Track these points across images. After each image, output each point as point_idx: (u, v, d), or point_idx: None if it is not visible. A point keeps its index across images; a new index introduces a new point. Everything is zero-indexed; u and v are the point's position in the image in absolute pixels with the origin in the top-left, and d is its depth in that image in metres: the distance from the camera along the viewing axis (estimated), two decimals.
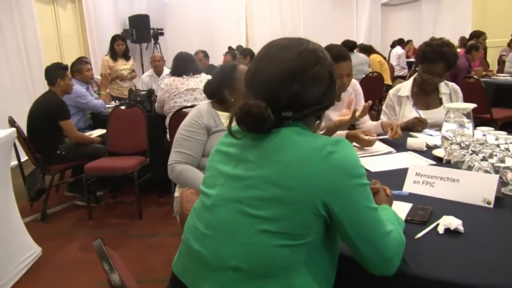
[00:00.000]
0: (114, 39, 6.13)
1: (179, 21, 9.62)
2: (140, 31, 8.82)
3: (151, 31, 9.06)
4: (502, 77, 6.35)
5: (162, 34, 9.25)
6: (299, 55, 1.17)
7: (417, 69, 2.88)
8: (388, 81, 6.81)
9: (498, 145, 1.83)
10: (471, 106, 2.10)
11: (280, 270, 1.10)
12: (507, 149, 1.79)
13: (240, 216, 1.12)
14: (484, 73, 6.17)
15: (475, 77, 5.50)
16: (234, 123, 1.18)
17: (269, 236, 1.09)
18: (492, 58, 9.63)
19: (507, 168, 1.71)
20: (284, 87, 1.14)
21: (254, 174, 1.13)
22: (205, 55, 6.41)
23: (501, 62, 7.90)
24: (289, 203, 1.08)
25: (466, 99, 5.46)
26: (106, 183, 4.62)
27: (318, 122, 1.25)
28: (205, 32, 9.63)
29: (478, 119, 5.31)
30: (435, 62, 2.71)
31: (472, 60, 6.23)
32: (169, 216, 3.55)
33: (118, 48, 6.08)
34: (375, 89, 5.54)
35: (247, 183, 1.14)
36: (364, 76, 6.11)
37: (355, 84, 2.85)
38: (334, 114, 2.76)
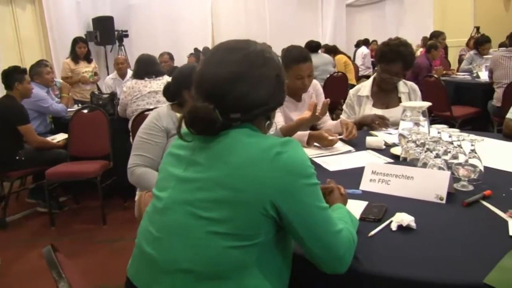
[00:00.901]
0: (76, 41, 6.01)
1: (144, 22, 9.52)
2: (104, 33, 8.67)
3: (116, 33, 8.92)
4: (461, 76, 6.52)
5: (127, 36, 9.13)
6: (245, 56, 1.17)
7: (375, 68, 2.92)
8: (353, 80, 6.89)
9: (451, 142, 1.87)
10: (426, 104, 2.14)
11: (232, 271, 1.10)
12: (460, 146, 1.84)
13: (190, 218, 1.12)
14: (444, 72, 6.32)
15: (436, 76, 5.63)
16: (184, 126, 1.18)
17: (220, 237, 1.09)
18: (453, 57, 9.89)
19: (459, 164, 1.75)
20: (231, 89, 1.14)
21: (203, 176, 1.13)
22: (170, 57, 6.36)
23: (461, 61, 8.11)
24: (238, 204, 1.08)
25: (427, 98, 5.58)
26: (69, 189, 4.53)
27: (268, 122, 1.26)
28: (171, 34, 9.56)
29: (439, 117, 5.46)
30: (393, 62, 2.75)
31: (433, 59, 6.36)
32: (134, 220, 3.47)
33: (80, 50, 5.97)
34: (340, 88, 5.60)
35: (197, 185, 1.14)
36: (328, 76, 6.18)
37: (316, 84, 2.88)
38: (295, 115, 2.78)
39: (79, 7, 8.60)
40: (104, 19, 8.69)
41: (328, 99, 2.38)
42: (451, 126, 5.17)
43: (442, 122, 5.50)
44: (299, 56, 2.62)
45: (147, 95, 4.15)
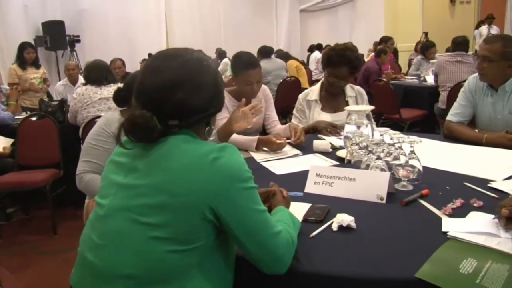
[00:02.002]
0: (23, 46, 5.85)
1: (97, 27, 9.37)
2: (54, 38, 8.48)
3: (67, 38, 8.74)
4: (409, 80, 6.74)
5: (78, 41, 8.96)
6: (183, 64, 1.20)
7: (324, 73, 2.99)
8: (305, 85, 7.00)
9: (393, 144, 1.94)
10: (369, 108, 2.21)
11: (174, 275, 1.12)
12: (401, 148, 1.91)
13: (131, 224, 1.13)
14: (393, 76, 6.53)
15: (385, 80, 5.79)
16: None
17: (160, 242, 1.10)
18: (403, 61, 10.21)
19: (399, 165, 1.82)
20: (169, 96, 1.16)
21: (143, 183, 1.15)
22: (123, 63, 6.28)
23: (411, 65, 8.38)
24: (176, 209, 1.10)
25: (377, 101, 5.79)
26: (18, 199, 4.39)
27: (208, 128, 1.28)
28: (124, 39, 9.46)
29: (389, 119, 5.63)
30: (339, 66, 2.83)
31: (382, 64, 6.55)
32: None
33: (28, 56, 5.82)
34: (292, 93, 5.67)
35: (137, 192, 1.15)
36: (281, 80, 6.26)
37: (265, 89, 2.92)
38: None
39: (27, 11, 8.38)
40: (54, 23, 8.50)
41: (263, 105, 2.42)
42: (401, 128, 5.37)
43: (392, 125, 5.71)
44: (248, 62, 2.66)
45: (98, 102, 4.09)
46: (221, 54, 9.66)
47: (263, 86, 2.88)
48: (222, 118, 2.68)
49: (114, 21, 9.56)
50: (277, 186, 1.55)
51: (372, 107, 2.26)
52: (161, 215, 1.11)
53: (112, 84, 4.22)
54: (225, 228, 1.15)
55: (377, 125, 5.66)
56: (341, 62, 2.83)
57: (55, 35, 8.48)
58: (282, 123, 3.00)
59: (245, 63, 2.65)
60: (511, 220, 1.35)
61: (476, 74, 2.64)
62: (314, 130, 2.81)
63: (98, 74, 4.19)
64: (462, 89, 2.77)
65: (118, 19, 9.59)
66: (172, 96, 1.16)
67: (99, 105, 4.09)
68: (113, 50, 8.38)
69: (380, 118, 5.87)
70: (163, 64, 1.20)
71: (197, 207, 1.10)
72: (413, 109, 5.77)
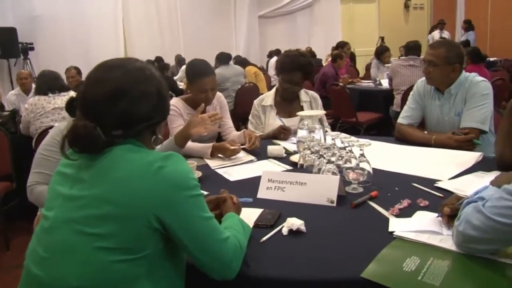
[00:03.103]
0: None
1: (51, 35, 9.12)
2: (6, 45, 8.21)
3: (20, 45, 8.49)
4: (365, 83, 6.89)
5: (32, 49, 8.71)
6: (125, 74, 1.20)
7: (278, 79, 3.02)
8: (264, 90, 7.04)
9: (344, 148, 1.98)
10: (321, 113, 2.25)
11: (122, 286, 1.12)
12: (351, 151, 1.96)
13: (76, 235, 1.12)
14: (350, 80, 6.65)
15: (341, 84, 5.90)
16: None
17: (106, 252, 1.10)
18: (361, 66, 10.42)
19: (349, 168, 1.87)
20: (112, 106, 1.17)
21: (88, 193, 1.14)
22: (78, 71, 6.15)
23: (368, 69, 8.55)
24: (122, 219, 1.10)
25: (334, 105, 5.88)
26: None
27: (154, 137, 1.28)
28: (81, 47, 9.26)
29: (346, 123, 5.73)
30: (292, 72, 2.87)
31: (339, 68, 6.68)
32: None
33: None
34: (251, 99, 5.67)
35: (82, 203, 1.14)
36: (240, 87, 6.29)
37: (219, 96, 2.93)
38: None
39: None
40: (5, 30, 8.23)
41: (218, 112, 2.49)
42: (357, 131, 5.47)
43: (349, 128, 5.82)
44: (202, 70, 2.66)
45: (51, 112, 4.00)
46: (180, 61, 9.60)
47: (218, 93, 2.89)
48: (177, 126, 2.68)
49: (70, 27, 9.35)
50: (228, 192, 1.57)
51: (324, 112, 2.31)
52: (107, 225, 1.10)
53: (65, 93, 4.13)
54: (172, 236, 1.15)
55: (335, 129, 5.77)
56: (294, 68, 2.87)
57: (7, 43, 8.22)
58: (242, 129, 3.01)
59: (199, 71, 2.65)
60: (452, 218, 1.40)
61: (424, 78, 2.73)
62: (268, 138, 2.84)
63: (50, 83, 4.09)
64: (411, 93, 2.86)
65: (74, 25, 9.38)
66: (115, 106, 1.17)
67: (52, 115, 4.00)
68: (69, 57, 8.19)
69: (338, 122, 5.97)
70: (105, 75, 1.20)
71: (142, 216, 1.10)
72: (369, 112, 5.90)
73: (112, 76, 1.19)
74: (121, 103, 1.17)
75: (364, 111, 5.88)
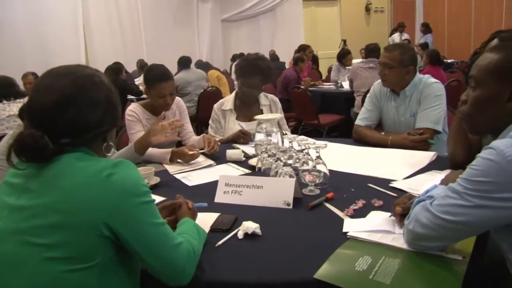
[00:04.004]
0: None
1: (8, 40, 8.88)
2: None
3: None
4: (327, 86, 6.98)
5: None
6: (73, 81, 1.18)
7: (237, 83, 3.03)
8: (227, 94, 7.02)
9: (302, 150, 2.00)
10: (278, 116, 2.27)
11: None
12: (308, 154, 1.98)
13: (24, 247, 1.10)
14: (312, 83, 6.72)
15: (303, 87, 5.96)
16: None
17: (56, 262, 1.08)
18: (324, 68, 10.54)
19: (306, 170, 1.88)
20: (59, 114, 1.15)
21: (36, 203, 1.12)
22: (36, 77, 6.01)
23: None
24: (71, 228, 1.08)
25: (296, 108, 5.92)
26: None
27: (105, 144, 1.27)
28: (39, 52, 9.03)
29: (309, 125, 5.79)
30: (251, 76, 2.88)
31: (300, 71, 6.74)
32: None
33: None
34: (214, 103, 5.67)
35: (30, 213, 1.12)
36: (202, 91, 6.28)
37: (179, 101, 2.91)
38: None
39: None
40: None
41: (177, 117, 2.49)
42: (320, 133, 5.52)
43: (311, 130, 5.87)
44: (160, 75, 2.64)
45: (6, 119, 3.91)
46: (142, 66, 9.47)
47: (177, 98, 2.87)
48: (136, 131, 2.65)
49: (28, 33, 9.12)
50: (183, 198, 1.56)
51: (281, 115, 2.34)
52: (56, 235, 1.08)
53: (22, 100, 4.03)
54: (123, 244, 1.14)
55: (297, 132, 5.82)
56: (253, 71, 2.88)
57: None
58: (202, 134, 3.00)
59: (157, 76, 2.63)
60: (404, 217, 1.43)
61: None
62: (228, 142, 2.84)
63: (4, 90, 4.00)
64: (368, 95, 2.91)
65: (32, 31, 9.16)
66: (63, 114, 1.15)
67: (8, 123, 3.91)
68: (26, 64, 7.97)
69: (300, 124, 6.03)
70: (53, 82, 1.18)
71: (92, 225, 1.09)
72: (331, 114, 5.96)
73: (60, 84, 1.17)
74: (69, 111, 1.15)
75: (326, 114, 5.95)
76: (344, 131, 5.72)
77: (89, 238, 1.09)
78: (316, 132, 5.72)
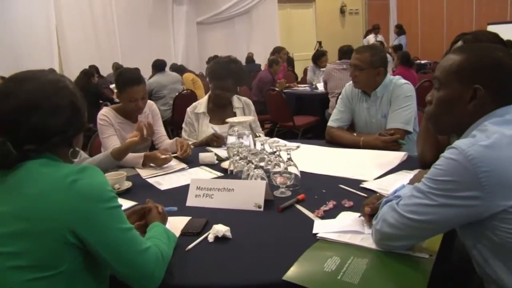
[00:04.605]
0: None
1: None
2: None
3: None
4: (302, 88, 7.01)
5: None
6: (37, 86, 1.17)
7: (210, 86, 3.03)
8: (202, 97, 6.94)
9: (273, 153, 2.01)
10: (250, 119, 2.28)
11: None
12: (279, 156, 1.99)
13: None
14: (287, 84, 6.75)
15: (277, 89, 5.98)
16: None
17: (21, 271, 1.07)
18: (300, 70, 10.61)
19: (277, 173, 1.89)
20: (23, 120, 1.13)
21: None
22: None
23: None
24: (36, 235, 1.07)
25: (271, 110, 5.94)
26: None
27: (72, 150, 1.25)
28: (10, 57, 8.85)
29: (284, 127, 5.82)
30: (224, 78, 2.88)
31: (275, 73, 6.76)
32: None
33: None
34: (188, 106, 5.66)
35: None
36: (177, 94, 6.25)
37: (151, 105, 2.89)
38: None
39: None
40: None
41: (150, 121, 2.46)
42: (295, 135, 5.54)
43: (286, 132, 5.90)
44: (132, 79, 2.62)
45: None
46: (117, 69, 9.38)
47: (149, 102, 2.85)
48: (108, 136, 2.63)
49: None
50: (153, 202, 1.55)
51: (252, 118, 2.34)
52: (20, 243, 1.07)
53: None
54: (90, 250, 1.13)
55: (273, 134, 5.84)
56: (226, 74, 2.88)
57: None
58: (175, 138, 2.99)
59: (128, 80, 2.61)
60: (373, 217, 1.45)
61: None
62: (201, 145, 2.84)
63: None
64: (340, 96, 2.94)
65: (3, 35, 8.99)
66: (27, 120, 1.13)
67: None
68: None
69: (276, 126, 6.04)
70: (16, 88, 1.16)
71: (57, 232, 1.08)
72: (306, 116, 5.98)
73: (23, 89, 1.15)
74: (32, 117, 1.13)
75: (301, 115, 5.97)
76: (319, 133, 5.75)
77: (54, 245, 1.08)
78: (291, 134, 5.75)
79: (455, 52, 1.37)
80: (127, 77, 2.64)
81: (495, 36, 1.95)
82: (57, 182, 1.10)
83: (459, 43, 2.00)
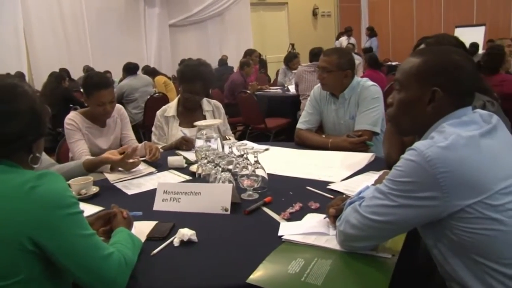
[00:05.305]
0: None
1: None
2: None
3: None
4: (274, 90, 7.04)
5: None
6: None
7: (179, 89, 3.02)
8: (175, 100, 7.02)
9: (241, 156, 2.01)
10: (218, 122, 2.28)
11: None
12: (247, 158, 1.99)
13: None
14: (259, 87, 6.76)
15: (249, 91, 5.99)
16: None
17: None
18: (273, 72, 10.64)
19: (244, 175, 1.89)
20: None
21: None
22: None
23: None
24: None
25: (243, 113, 5.94)
26: None
27: (31, 156, 1.23)
28: None
29: (256, 130, 5.83)
30: (193, 81, 2.87)
31: (247, 76, 6.77)
32: None
33: None
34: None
35: None
36: (149, 97, 6.20)
37: (120, 109, 2.86)
38: (101, 141, 2.75)
39: None
40: None
41: (137, 145, 2.47)
42: (267, 137, 5.55)
43: (258, 135, 5.90)
44: (99, 82, 2.60)
45: None
46: (88, 71, 9.28)
47: (118, 106, 2.83)
48: (75, 140, 2.61)
49: None
50: (117, 207, 1.54)
51: (220, 121, 2.35)
52: None
53: None
54: (50, 257, 1.11)
55: (245, 136, 5.83)
56: (195, 77, 2.87)
57: None
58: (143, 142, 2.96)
59: (95, 84, 2.58)
60: (337, 218, 1.46)
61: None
62: (171, 149, 2.82)
63: None
64: (308, 99, 2.97)
65: None
66: None
67: None
68: None
69: (248, 128, 6.05)
70: None
71: (14, 239, 1.06)
72: (278, 118, 6.01)
73: None
74: None
75: (273, 117, 5.99)
76: (291, 135, 5.77)
77: (11, 253, 1.06)
78: (264, 136, 5.76)
79: (415, 55, 1.40)
80: (94, 81, 2.61)
81: (456, 39, 2.00)
82: (15, 189, 1.09)
83: (422, 46, 2.05)
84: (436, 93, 1.30)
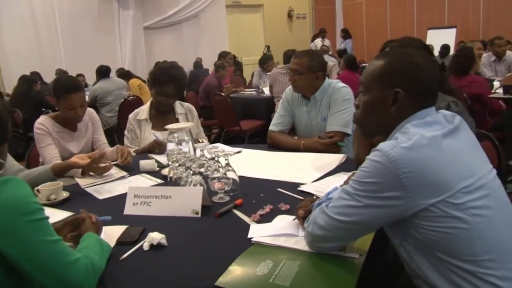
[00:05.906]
0: None
1: None
2: None
3: None
4: (248, 92, 7.04)
5: None
6: None
7: (151, 92, 3.00)
8: None
9: (212, 158, 2.02)
10: (189, 125, 2.26)
11: None
12: (218, 161, 1.99)
13: None
14: (234, 89, 6.76)
15: (223, 94, 5.99)
16: None
17: None
18: (249, 74, 10.66)
19: (214, 178, 1.90)
20: None
21: None
22: None
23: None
24: None
25: (218, 115, 5.94)
26: None
27: None
28: None
29: (231, 132, 5.83)
30: (165, 84, 2.86)
31: (222, 78, 6.76)
32: None
33: None
34: None
35: None
36: (123, 100, 6.15)
37: (91, 112, 2.84)
38: (72, 145, 2.72)
39: None
40: None
41: (106, 150, 2.46)
42: (242, 139, 5.55)
43: (234, 137, 5.91)
44: (69, 86, 2.57)
45: None
46: (61, 75, 9.15)
47: (89, 109, 2.80)
48: (45, 145, 2.58)
49: None
50: (86, 212, 1.53)
51: (192, 124, 2.35)
52: None
53: None
54: (13, 264, 1.10)
55: (220, 139, 5.83)
56: (167, 80, 2.86)
57: None
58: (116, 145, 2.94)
59: (65, 88, 2.55)
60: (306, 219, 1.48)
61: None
62: (144, 152, 2.81)
63: None
64: (281, 101, 2.99)
65: None
66: None
67: None
68: None
69: (223, 131, 6.04)
70: None
71: None
72: (253, 120, 6.01)
73: None
74: None
75: (248, 119, 5.99)
76: (265, 136, 5.79)
77: None
78: (239, 138, 5.76)
79: (378, 57, 1.43)
80: (64, 85, 2.58)
81: (420, 42, 2.05)
82: None
83: (387, 49, 2.09)
84: (398, 94, 1.33)
